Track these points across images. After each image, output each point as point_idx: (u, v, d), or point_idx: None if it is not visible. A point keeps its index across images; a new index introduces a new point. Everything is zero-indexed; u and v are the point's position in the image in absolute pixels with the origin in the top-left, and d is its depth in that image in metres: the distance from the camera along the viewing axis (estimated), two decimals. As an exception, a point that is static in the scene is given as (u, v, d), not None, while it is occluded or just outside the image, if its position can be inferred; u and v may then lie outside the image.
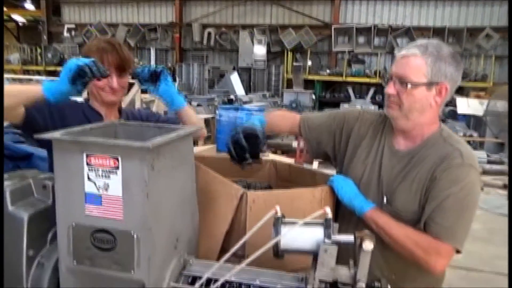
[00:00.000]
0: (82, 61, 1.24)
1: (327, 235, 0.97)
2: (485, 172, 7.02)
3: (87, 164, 0.92)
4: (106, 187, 0.92)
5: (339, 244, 0.98)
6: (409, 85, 1.31)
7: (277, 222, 1.00)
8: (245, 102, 7.49)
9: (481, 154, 7.40)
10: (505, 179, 6.64)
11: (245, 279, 1.08)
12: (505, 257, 4.14)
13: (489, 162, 7.55)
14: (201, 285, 1.01)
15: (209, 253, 1.32)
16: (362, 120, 1.55)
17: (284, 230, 0.98)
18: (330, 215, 1.00)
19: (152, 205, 0.94)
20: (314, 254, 1.00)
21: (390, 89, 1.36)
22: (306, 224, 1.00)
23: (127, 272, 0.95)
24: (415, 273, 1.43)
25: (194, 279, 1.07)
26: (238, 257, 1.11)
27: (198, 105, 8.44)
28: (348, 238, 0.99)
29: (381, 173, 1.44)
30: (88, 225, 0.95)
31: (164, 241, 1.02)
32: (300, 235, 0.99)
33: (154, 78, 1.51)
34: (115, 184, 0.91)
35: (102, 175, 0.91)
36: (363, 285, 0.97)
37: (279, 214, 1.02)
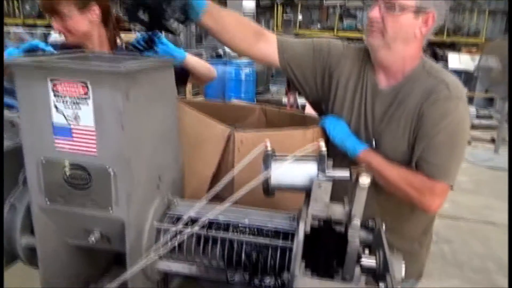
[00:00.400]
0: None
1: (321, 169, 0.90)
2: (473, 127, 7.05)
3: (54, 92, 0.81)
4: (77, 118, 0.82)
5: (333, 180, 0.91)
6: (397, 8, 1.19)
7: (267, 158, 0.93)
8: (234, 57, 7.27)
9: (471, 109, 7.39)
10: (493, 133, 6.68)
11: (233, 218, 1.02)
12: (492, 207, 4.23)
13: (477, 117, 7.59)
14: (186, 224, 0.94)
15: (196, 196, 1.25)
16: (348, 56, 1.40)
17: (275, 165, 0.90)
18: (324, 149, 0.93)
19: (129, 138, 0.85)
20: (307, 191, 0.94)
21: (374, 12, 1.23)
22: (299, 159, 0.93)
23: (105, 211, 0.88)
24: (408, 215, 1.40)
25: (179, 219, 1.01)
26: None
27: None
28: (343, 173, 0.93)
29: (367, 116, 1.36)
30: (60, 161, 0.86)
31: (145, 179, 0.94)
32: (292, 171, 0.92)
33: (150, 44, 1.44)
34: (86, 115, 0.82)
35: (71, 105, 0.82)
36: (358, 222, 0.92)
37: (269, 149, 0.95)
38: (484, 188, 4.72)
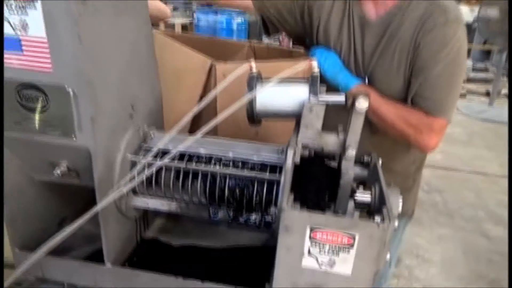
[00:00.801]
0: None
1: (313, 92, 0.80)
2: (469, 80, 6.95)
3: (-4, -6, 0.68)
4: (24, 26, 0.69)
5: (327, 104, 0.81)
6: None
7: (252, 79, 0.82)
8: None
9: (468, 62, 7.24)
10: (488, 87, 6.59)
11: (216, 151, 0.93)
12: (484, 158, 4.22)
13: (474, 69, 7.45)
14: (161, 156, 0.84)
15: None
16: None
17: (261, 87, 0.79)
18: (316, 70, 0.82)
19: (90, 53, 0.73)
20: (297, 118, 0.84)
21: None
22: (288, 81, 0.82)
23: (68, 138, 0.78)
24: (403, 153, 1.32)
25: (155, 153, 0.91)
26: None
27: (174, 8, 7.77)
28: (338, 97, 0.82)
29: (356, 51, 1.23)
30: (10, 80, 0.74)
31: (113, 103, 0.83)
32: (280, 94, 0.81)
33: None
34: (35, 22, 0.69)
35: (16, 9, 0.68)
36: (353, 152, 0.83)
37: (254, 70, 0.83)
38: (476, 139, 4.68)
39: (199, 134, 0.74)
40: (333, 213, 0.85)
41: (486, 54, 8.35)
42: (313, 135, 0.79)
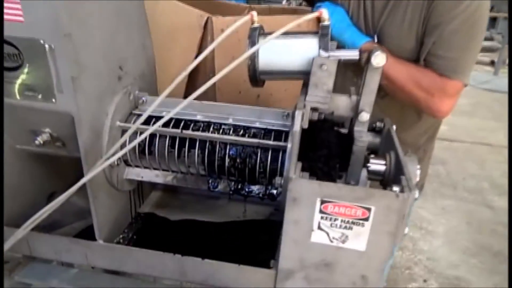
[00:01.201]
0: None
1: (323, 46, 0.70)
2: (473, 49, 6.76)
3: None
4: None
5: (338, 61, 0.72)
6: None
7: (254, 32, 0.72)
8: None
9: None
10: (492, 56, 6.43)
11: (214, 118, 0.84)
12: (488, 129, 4.14)
13: (478, 39, 7.26)
14: (153, 122, 0.76)
15: (171, 95, 1.06)
16: None
17: (264, 41, 0.70)
18: (327, 23, 0.72)
19: (67, 4, 0.63)
20: (305, 78, 0.74)
21: None
22: (295, 34, 0.72)
23: (48, 101, 0.69)
24: (414, 120, 1.23)
25: (148, 119, 0.83)
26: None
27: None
28: (351, 53, 0.73)
29: (366, 6, 1.12)
30: (-23, 34, 0.64)
31: (98, 63, 0.74)
32: (286, 49, 0.72)
33: None
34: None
35: None
36: (368, 115, 0.74)
37: (255, 23, 0.73)
38: (481, 110, 4.59)
39: (195, 95, 0.65)
40: (345, 183, 0.77)
41: (492, 22, 8.12)
42: (323, 95, 0.70)
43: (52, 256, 0.84)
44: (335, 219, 0.69)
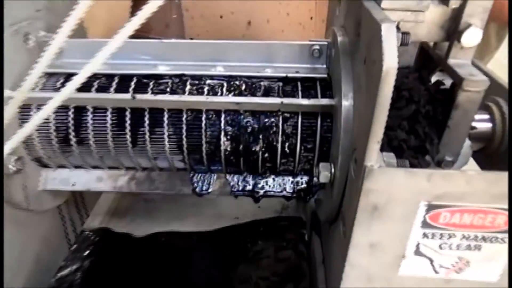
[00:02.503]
0: None
1: None
2: None
3: None
4: None
5: None
6: None
7: None
8: None
9: None
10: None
11: (193, 67, 0.47)
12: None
13: None
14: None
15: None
16: None
17: None
18: None
19: None
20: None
21: None
22: None
23: None
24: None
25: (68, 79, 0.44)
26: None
27: None
28: None
29: None
30: None
31: None
32: None
33: None
34: None
35: None
36: (479, 33, 0.40)
37: None
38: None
39: (138, 19, 0.27)
40: (436, 164, 0.44)
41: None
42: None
43: None
44: (451, 236, 0.37)
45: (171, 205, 0.74)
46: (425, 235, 0.37)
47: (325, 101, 0.42)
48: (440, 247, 0.37)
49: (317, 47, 0.47)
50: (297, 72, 0.47)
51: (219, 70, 0.47)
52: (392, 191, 0.34)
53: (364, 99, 0.35)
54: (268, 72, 0.46)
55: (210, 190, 0.49)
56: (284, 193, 0.49)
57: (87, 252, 0.64)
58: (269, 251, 0.61)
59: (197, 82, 0.46)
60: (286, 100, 0.42)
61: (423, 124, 0.41)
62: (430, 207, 0.35)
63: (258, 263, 0.61)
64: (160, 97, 0.42)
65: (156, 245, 0.67)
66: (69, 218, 0.62)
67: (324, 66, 0.48)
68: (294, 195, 0.48)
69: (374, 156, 0.33)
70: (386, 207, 0.35)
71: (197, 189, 0.49)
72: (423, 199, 0.35)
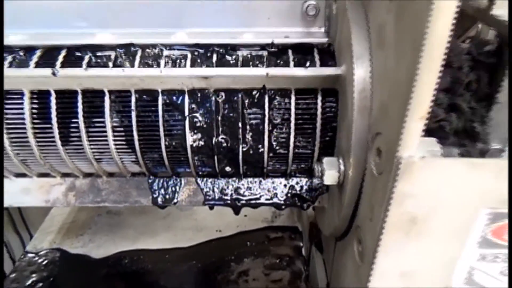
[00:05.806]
0: None
1: None
2: None
3: None
4: None
5: None
6: None
7: None
8: None
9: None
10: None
11: (145, 34, 0.34)
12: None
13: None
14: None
15: None
16: None
17: None
18: None
19: None
20: None
21: None
22: None
23: None
24: None
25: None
26: None
27: None
28: None
29: None
30: None
31: None
32: None
33: None
34: None
35: None
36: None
37: None
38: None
39: None
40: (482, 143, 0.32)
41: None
42: None
43: None
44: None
45: (140, 218, 0.61)
46: (482, 258, 0.25)
47: (328, 71, 0.30)
48: (505, 274, 0.26)
49: (313, 2, 0.35)
50: (286, 37, 0.34)
51: (181, 38, 0.34)
52: (440, 195, 0.22)
53: (395, 56, 0.23)
54: (248, 39, 0.34)
55: (176, 199, 0.37)
56: (275, 200, 0.36)
57: (30, 281, 0.51)
58: (257, 271, 0.49)
59: (151, 53, 0.33)
60: (274, 71, 0.30)
61: (466, 97, 0.29)
62: (495, 217, 0.23)
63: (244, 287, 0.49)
64: (95, 71, 0.30)
65: (119, 267, 0.54)
66: (6, 238, 0.48)
67: (322, 30, 0.36)
68: (288, 203, 0.36)
69: (413, 142, 0.21)
70: (429, 219, 0.23)
71: (159, 199, 0.37)
72: (485, 205, 0.23)
